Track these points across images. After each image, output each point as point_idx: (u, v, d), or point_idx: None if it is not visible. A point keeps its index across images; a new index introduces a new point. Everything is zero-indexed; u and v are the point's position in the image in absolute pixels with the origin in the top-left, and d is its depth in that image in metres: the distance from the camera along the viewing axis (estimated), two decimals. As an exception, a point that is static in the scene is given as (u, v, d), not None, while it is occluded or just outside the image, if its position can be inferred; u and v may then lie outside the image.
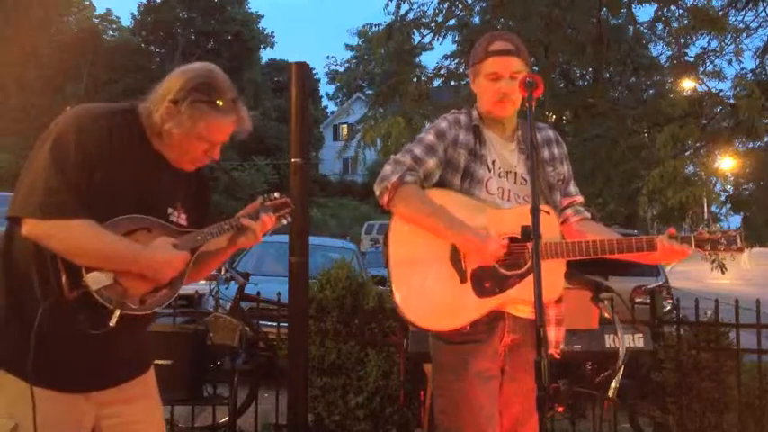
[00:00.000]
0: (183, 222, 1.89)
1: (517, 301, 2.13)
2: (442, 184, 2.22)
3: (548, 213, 2.09)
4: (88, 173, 1.69)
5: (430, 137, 2.24)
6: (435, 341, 2.20)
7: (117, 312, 1.70)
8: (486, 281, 2.10)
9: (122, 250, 1.71)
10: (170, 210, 1.86)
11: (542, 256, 2.04)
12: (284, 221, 2.09)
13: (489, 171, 2.22)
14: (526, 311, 2.16)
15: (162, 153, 1.84)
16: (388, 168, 2.20)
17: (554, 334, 2.17)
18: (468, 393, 2.11)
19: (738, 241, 2.09)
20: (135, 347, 1.91)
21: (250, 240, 1.93)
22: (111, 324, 1.70)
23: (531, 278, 2.08)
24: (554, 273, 2.09)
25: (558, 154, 2.35)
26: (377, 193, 2.20)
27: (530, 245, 2.07)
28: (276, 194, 2.11)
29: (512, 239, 2.11)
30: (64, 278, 1.66)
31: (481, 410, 2.11)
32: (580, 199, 2.37)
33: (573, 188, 2.37)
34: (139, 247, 1.74)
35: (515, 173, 2.26)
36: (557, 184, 2.32)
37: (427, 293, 2.14)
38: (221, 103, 1.79)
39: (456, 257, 2.11)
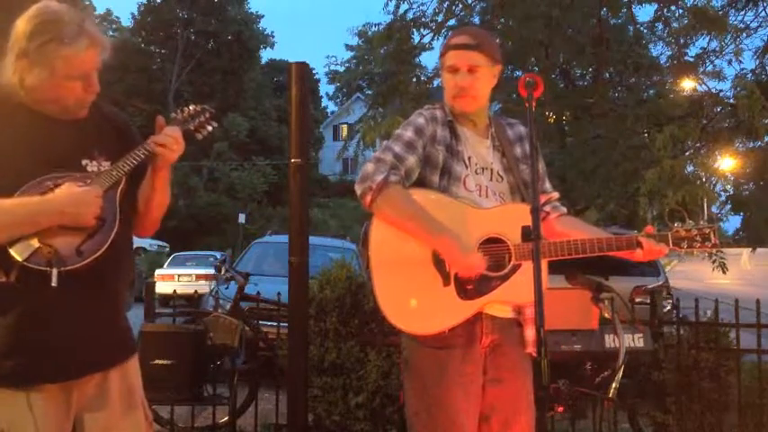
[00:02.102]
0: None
1: (499, 301, 2.11)
2: (420, 181, 2.17)
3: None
4: None
5: (408, 133, 2.18)
6: (411, 343, 2.14)
7: (54, 271, 1.64)
8: (470, 283, 2.06)
9: (26, 210, 1.66)
10: (85, 161, 1.79)
11: (526, 257, 2.04)
12: (209, 128, 2.02)
13: (466, 168, 2.19)
14: (504, 311, 2.14)
15: (47, 113, 1.77)
16: (369, 167, 2.13)
17: (532, 333, 2.11)
18: (445, 398, 2.07)
19: (712, 238, 2.07)
20: (110, 323, 1.84)
21: (166, 156, 1.85)
22: (53, 284, 1.64)
23: (514, 279, 2.08)
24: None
25: (531, 150, 2.33)
26: (358, 192, 2.13)
27: (511, 246, 2.07)
28: (191, 106, 2.01)
29: (493, 240, 2.09)
30: None
31: (458, 415, 2.07)
32: (556, 195, 2.33)
33: (548, 184, 2.34)
34: (41, 199, 1.68)
35: (491, 169, 2.23)
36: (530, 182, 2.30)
37: (410, 296, 2.09)
38: (67, 34, 1.70)
39: (439, 259, 2.08)
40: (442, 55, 2.24)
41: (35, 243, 1.66)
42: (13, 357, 1.67)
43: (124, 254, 1.87)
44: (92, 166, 1.80)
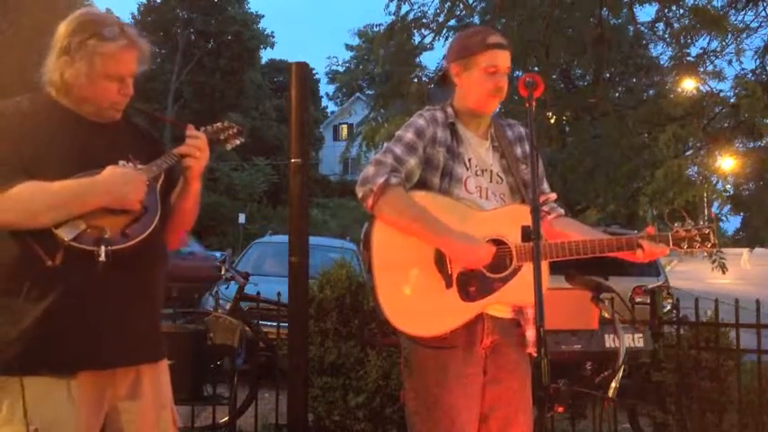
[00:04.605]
0: None
1: (500, 303, 2.11)
2: (421, 183, 2.17)
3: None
4: (17, 157, 1.68)
5: (409, 135, 2.17)
6: (411, 344, 2.14)
7: (102, 248, 1.66)
8: (472, 285, 2.06)
9: (74, 189, 1.69)
10: (122, 162, 1.83)
11: (528, 258, 2.05)
12: (237, 141, 2.12)
13: (467, 169, 2.19)
14: (505, 311, 2.15)
15: (84, 115, 1.82)
16: (370, 170, 2.12)
17: (532, 334, 2.11)
18: (446, 399, 2.06)
19: (712, 238, 2.09)
20: (147, 316, 1.87)
21: (192, 165, 1.92)
22: (101, 259, 1.65)
23: (516, 280, 2.08)
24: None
25: (531, 151, 2.32)
26: (359, 195, 2.12)
27: (512, 247, 2.07)
28: (220, 123, 2.12)
29: (495, 242, 2.09)
30: (40, 250, 1.64)
31: (458, 416, 2.07)
32: (553, 196, 2.33)
33: (546, 185, 2.34)
34: (89, 179, 1.72)
35: (491, 171, 2.23)
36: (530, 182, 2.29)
37: (413, 299, 2.08)
38: (108, 34, 1.77)
39: (441, 261, 2.07)
40: (475, 54, 2.16)
41: (82, 225, 1.68)
42: (56, 343, 1.68)
43: (162, 248, 1.91)
44: (127, 168, 1.83)
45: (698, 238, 2.09)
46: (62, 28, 1.80)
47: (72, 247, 1.65)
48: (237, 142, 2.13)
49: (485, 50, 2.16)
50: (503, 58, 2.17)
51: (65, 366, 1.69)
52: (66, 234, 1.66)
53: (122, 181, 1.74)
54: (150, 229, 1.78)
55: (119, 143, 1.86)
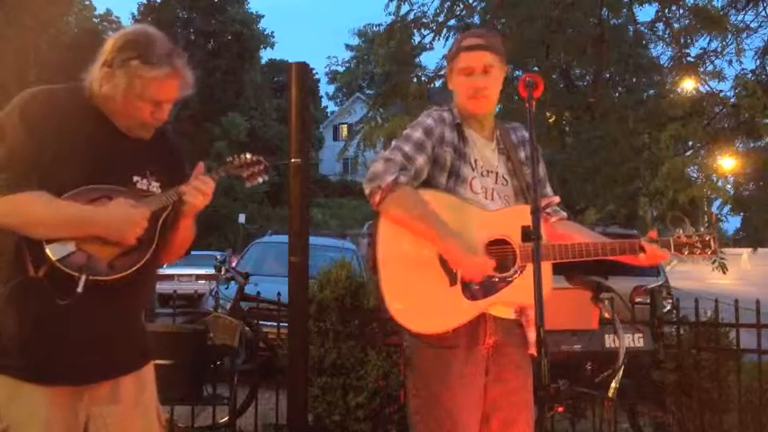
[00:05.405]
0: (156, 190, 1.86)
1: (503, 303, 2.12)
2: (427, 182, 2.17)
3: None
4: (37, 148, 1.69)
5: (418, 134, 2.18)
6: (414, 342, 2.14)
7: (83, 278, 1.66)
8: (476, 284, 2.08)
9: (74, 214, 1.69)
10: (136, 178, 1.83)
11: (531, 258, 2.04)
12: (260, 179, 2.06)
13: (473, 170, 2.20)
14: (507, 312, 2.15)
15: (116, 123, 1.82)
16: (379, 166, 2.13)
17: (534, 334, 2.13)
18: (447, 398, 2.07)
19: (712, 244, 2.12)
20: (128, 335, 1.87)
21: (192, 199, 1.87)
22: (78, 290, 1.65)
23: (519, 281, 2.09)
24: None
25: (532, 152, 2.33)
26: (366, 191, 2.12)
27: (517, 248, 2.08)
28: (247, 155, 2.06)
29: (498, 242, 2.10)
30: (28, 258, 1.65)
31: (460, 416, 2.07)
32: (557, 199, 2.35)
33: (549, 188, 2.36)
34: (92, 208, 1.72)
35: (496, 173, 2.24)
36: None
37: (417, 296, 2.09)
38: (153, 58, 1.76)
39: (445, 259, 2.08)
40: (453, 58, 2.23)
41: (71, 247, 1.69)
42: (32, 352, 1.69)
43: (149, 278, 1.90)
44: (141, 184, 1.83)
45: (698, 245, 2.12)
46: (111, 41, 1.80)
47: (56, 267, 1.66)
48: (260, 180, 2.06)
49: (458, 54, 2.21)
50: (475, 59, 2.18)
51: (37, 376, 1.69)
52: (54, 253, 1.66)
53: (123, 219, 1.73)
54: (137, 266, 1.77)
55: (140, 158, 1.85)
